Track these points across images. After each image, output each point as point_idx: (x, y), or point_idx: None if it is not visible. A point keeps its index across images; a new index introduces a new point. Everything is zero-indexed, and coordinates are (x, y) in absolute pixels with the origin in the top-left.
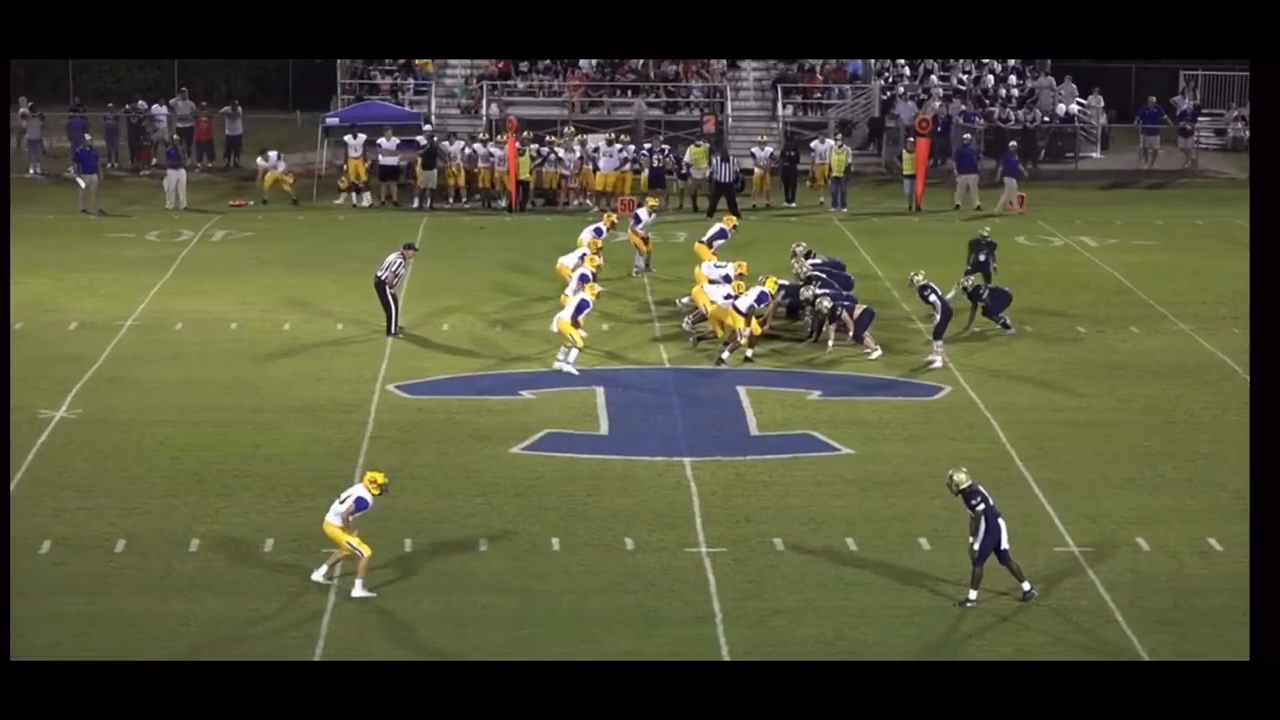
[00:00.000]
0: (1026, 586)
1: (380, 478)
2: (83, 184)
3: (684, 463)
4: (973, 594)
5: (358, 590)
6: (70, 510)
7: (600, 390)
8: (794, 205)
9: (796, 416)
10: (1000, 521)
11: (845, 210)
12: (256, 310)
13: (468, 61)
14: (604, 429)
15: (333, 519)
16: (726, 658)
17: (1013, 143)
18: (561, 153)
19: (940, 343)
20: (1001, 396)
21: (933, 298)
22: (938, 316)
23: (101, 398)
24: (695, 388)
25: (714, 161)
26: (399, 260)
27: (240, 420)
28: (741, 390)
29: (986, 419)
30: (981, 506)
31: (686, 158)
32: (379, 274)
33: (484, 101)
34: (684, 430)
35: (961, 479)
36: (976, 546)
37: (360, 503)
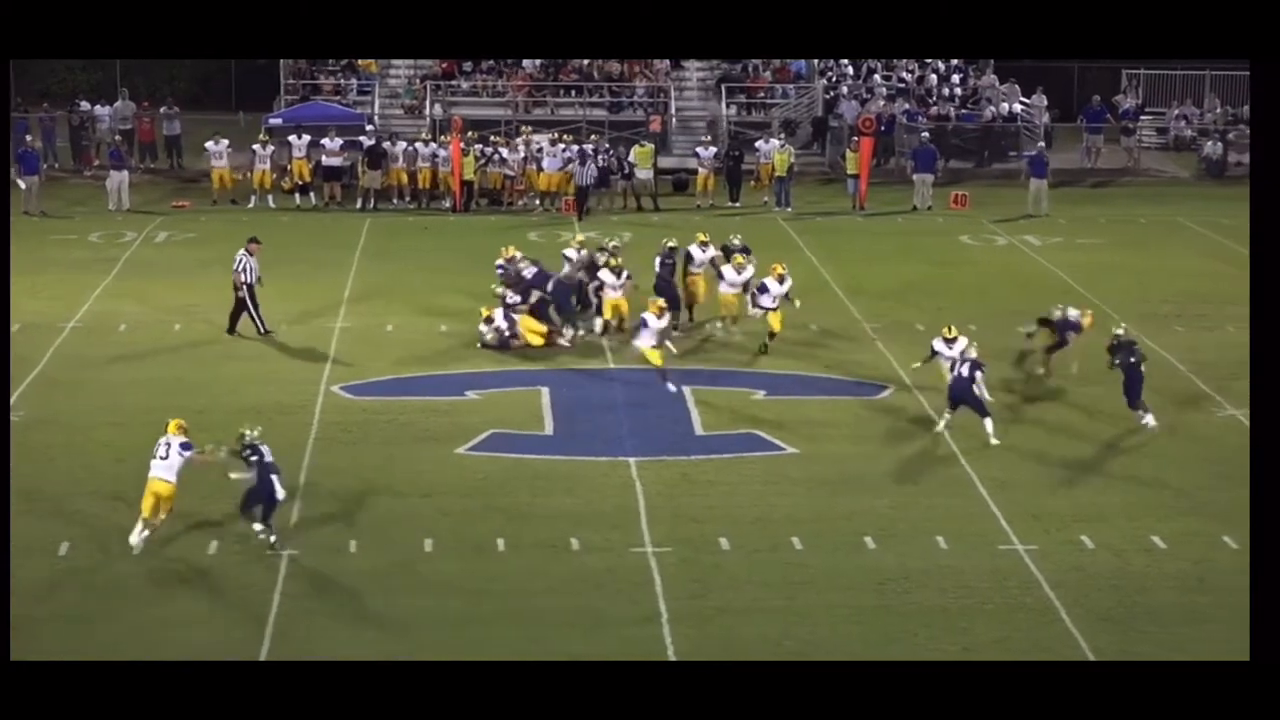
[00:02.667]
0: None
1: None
2: (24, 185)
3: (629, 463)
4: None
5: (136, 537)
6: (14, 514)
7: (545, 391)
8: (738, 205)
9: (741, 416)
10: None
11: (789, 210)
12: (200, 312)
13: (411, 62)
14: (549, 429)
15: (168, 475)
16: (673, 657)
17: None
18: (506, 153)
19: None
20: (944, 396)
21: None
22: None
23: (45, 400)
24: (640, 388)
25: (576, 164)
26: (243, 257)
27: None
28: (686, 390)
29: (930, 417)
30: None
31: (631, 157)
32: (236, 275)
33: (428, 102)
34: (629, 430)
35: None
36: None
37: (186, 445)
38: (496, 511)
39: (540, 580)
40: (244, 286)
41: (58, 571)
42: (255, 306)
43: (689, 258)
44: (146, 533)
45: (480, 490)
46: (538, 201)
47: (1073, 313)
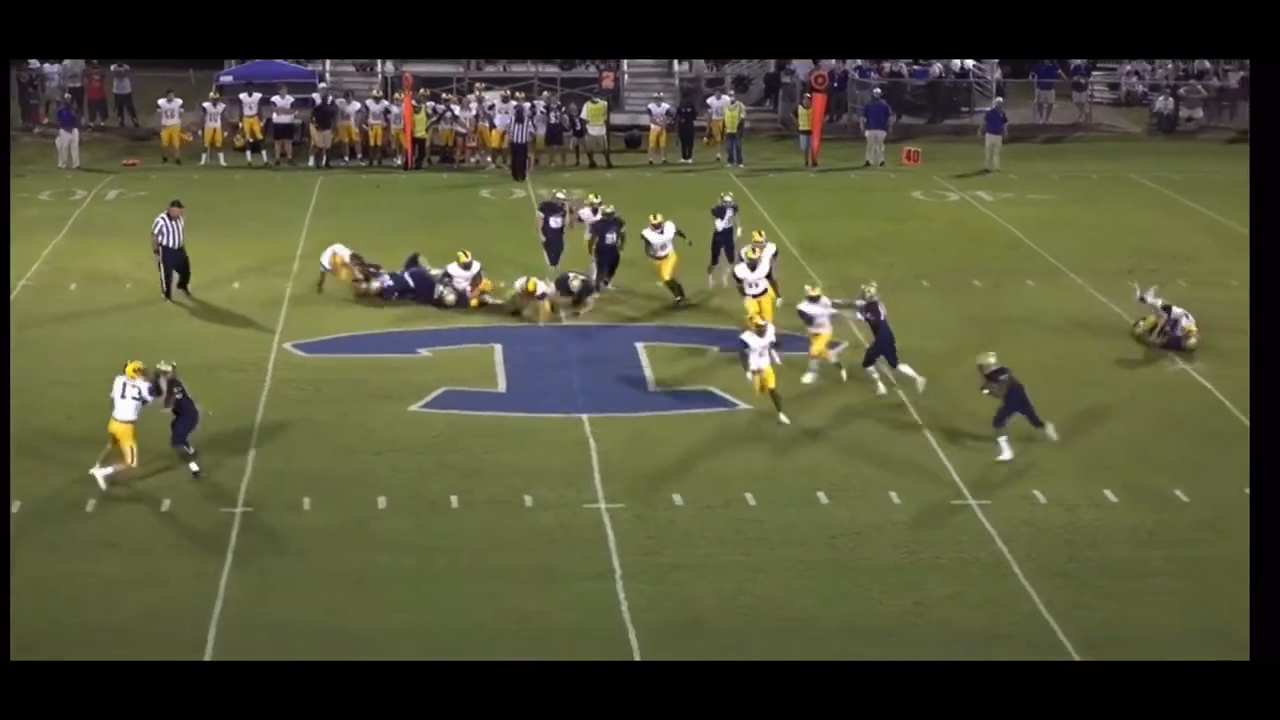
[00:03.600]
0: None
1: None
2: None
3: (582, 419)
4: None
5: (101, 473)
6: None
7: (498, 348)
8: (690, 161)
9: (695, 372)
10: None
11: (741, 166)
12: (151, 270)
13: None
14: (502, 386)
15: (128, 415)
16: (626, 614)
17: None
18: (458, 110)
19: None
20: (899, 349)
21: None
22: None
23: None
24: (593, 344)
25: (513, 122)
26: (161, 220)
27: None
28: (640, 346)
29: (883, 372)
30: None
31: (583, 114)
32: (169, 243)
33: (379, 59)
34: (582, 387)
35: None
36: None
37: (152, 390)
38: (450, 468)
39: (494, 537)
40: (160, 250)
41: (10, 529)
42: (166, 271)
43: (646, 244)
44: (110, 469)
45: (433, 447)
46: (489, 159)
47: (1185, 322)
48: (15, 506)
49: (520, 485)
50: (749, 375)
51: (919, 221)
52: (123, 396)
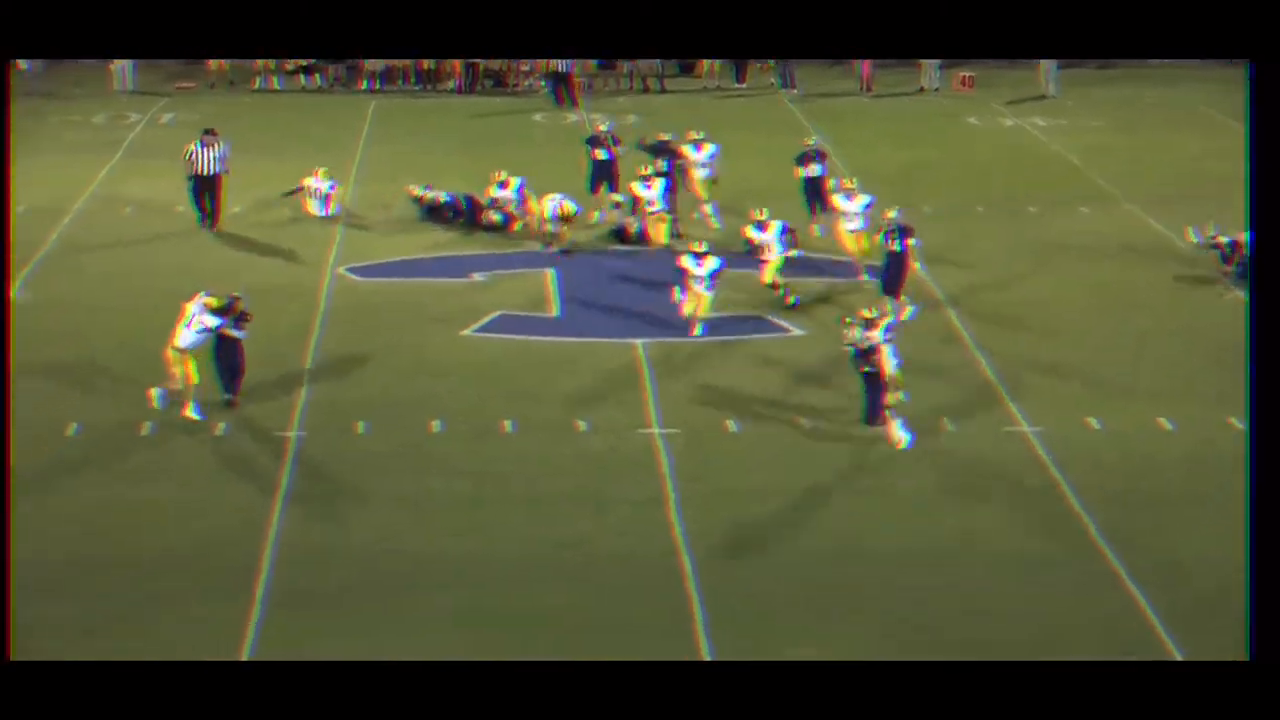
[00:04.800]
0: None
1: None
2: (27, 66)
3: (636, 344)
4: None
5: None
6: (21, 394)
7: (552, 272)
8: (743, 86)
9: (748, 298)
10: None
11: (796, 92)
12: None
13: None
14: (556, 311)
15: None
16: (679, 539)
17: None
18: None
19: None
20: (953, 277)
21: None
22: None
23: (50, 283)
24: (647, 270)
25: None
26: (194, 148)
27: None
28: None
29: (938, 299)
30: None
31: None
32: (200, 171)
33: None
34: (636, 312)
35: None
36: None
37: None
38: (503, 393)
39: (546, 461)
40: (193, 177)
41: (66, 454)
42: (199, 202)
43: (747, 245)
44: (166, 389)
45: (487, 372)
46: (542, 83)
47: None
48: (71, 430)
49: (573, 410)
50: (678, 298)
51: (973, 148)
52: (189, 325)
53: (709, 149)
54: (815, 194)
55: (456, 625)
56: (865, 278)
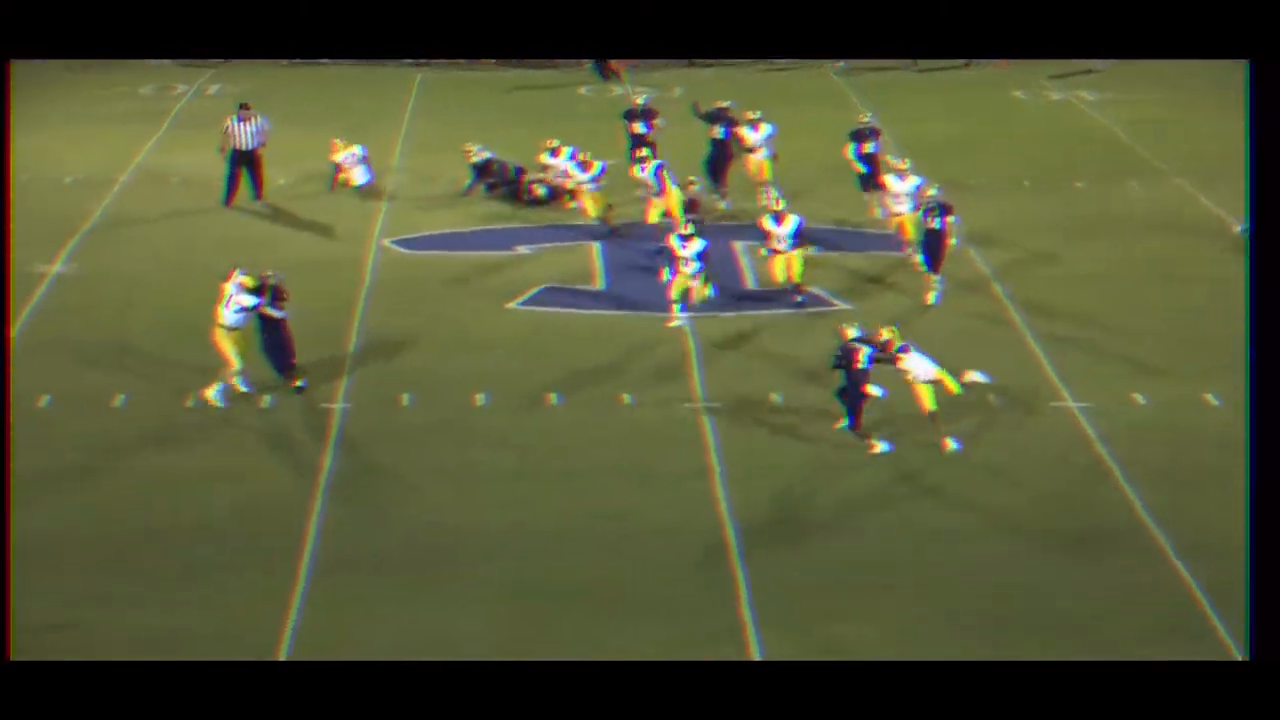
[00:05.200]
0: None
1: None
2: None
3: (682, 318)
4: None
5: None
6: (68, 366)
7: (597, 246)
8: (789, 60)
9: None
10: None
11: (843, 65)
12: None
13: None
14: (601, 284)
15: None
16: (724, 513)
17: None
18: None
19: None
20: (999, 253)
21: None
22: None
23: (96, 254)
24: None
25: None
26: (230, 123)
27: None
28: (739, 246)
29: (984, 275)
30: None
31: None
32: (238, 146)
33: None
34: None
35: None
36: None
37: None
38: (548, 366)
39: (592, 434)
40: (231, 151)
41: (112, 424)
42: (232, 178)
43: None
44: (225, 385)
45: (532, 345)
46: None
47: None
48: (118, 401)
49: (619, 384)
50: (665, 278)
51: (1021, 121)
52: (227, 305)
53: (765, 129)
54: (870, 172)
55: (498, 597)
56: (910, 252)
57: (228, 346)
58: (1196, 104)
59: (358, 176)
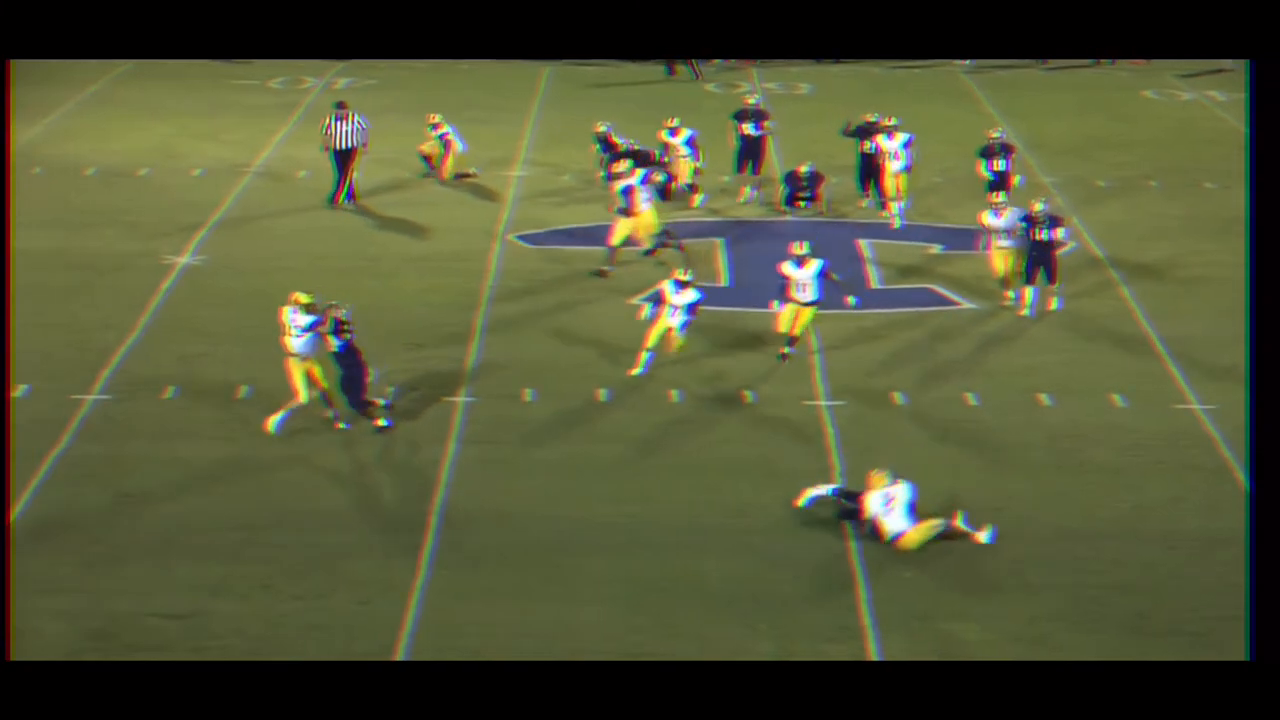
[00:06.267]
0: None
1: (305, 296)
2: None
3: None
4: None
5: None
6: (194, 356)
7: (721, 242)
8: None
9: (917, 270)
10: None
11: (970, 63)
12: (377, 159)
13: None
14: (725, 280)
15: (303, 350)
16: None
17: None
18: None
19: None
20: (1123, 251)
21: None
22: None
23: (226, 244)
24: (816, 240)
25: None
26: (331, 122)
27: (361, 269)
28: (863, 243)
29: (1110, 276)
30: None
31: None
32: (337, 145)
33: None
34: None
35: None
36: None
37: (315, 321)
38: (670, 362)
39: (713, 430)
40: (331, 151)
41: (233, 413)
42: (341, 174)
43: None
44: (283, 414)
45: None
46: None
47: None
48: (243, 392)
49: (741, 380)
50: (648, 315)
51: (1149, 121)
52: (288, 333)
53: (902, 136)
54: (1000, 190)
55: (613, 592)
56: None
57: (298, 377)
58: None
59: (461, 147)
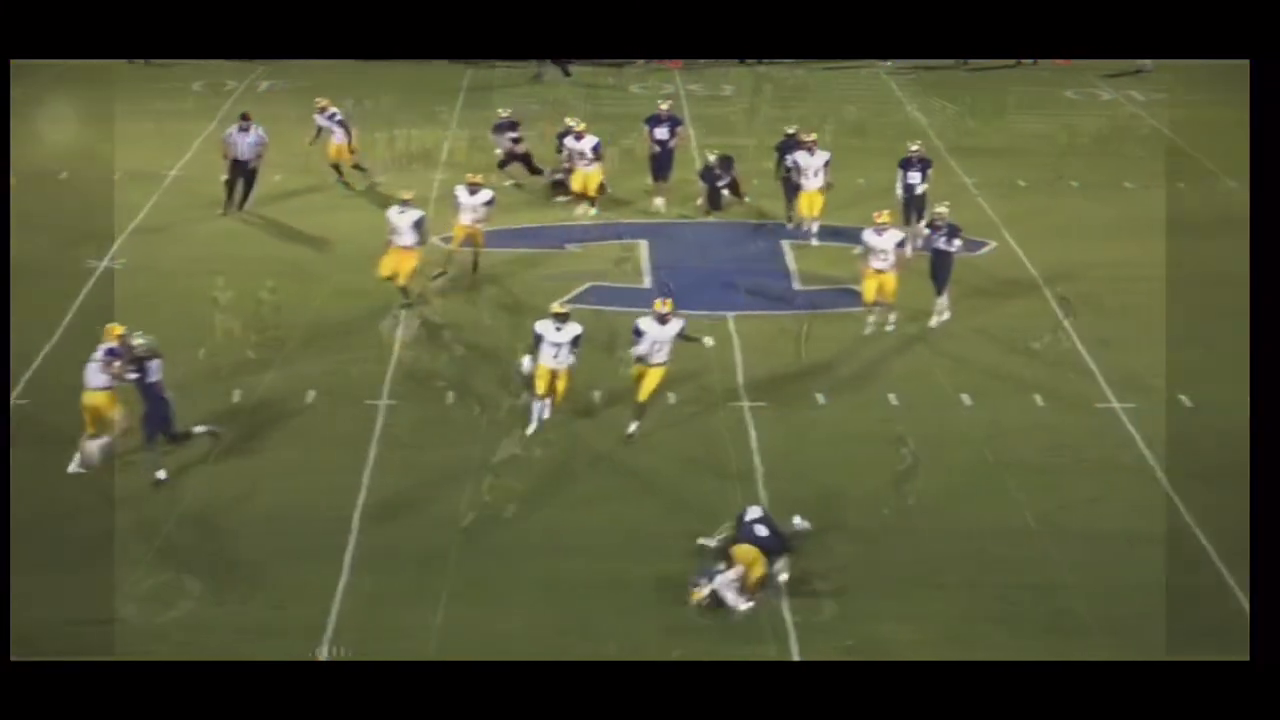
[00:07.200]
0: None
1: (118, 329)
2: None
3: (727, 317)
4: None
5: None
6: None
7: (644, 244)
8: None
9: (839, 272)
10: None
11: (890, 64)
12: (300, 162)
13: None
14: (647, 283)
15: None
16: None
17: None
18: None
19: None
20: (1047, 253)
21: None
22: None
23: (145, 248)
24: (739, 242)
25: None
26: (232, 132)
27: (289, 272)
28: (785, 245)
29: (1033, 277)
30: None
31: None
32: (236, 155)
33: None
34: (727, 285)
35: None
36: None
37: (110, 351)
38: (592, 364)
39: (641, 435)
40: (229, 160)
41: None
42: (230, 186)
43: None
44: (92, 445)
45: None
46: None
47: None
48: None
49: (663, 382)
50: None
51: (1070, 121)
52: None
53: (822, 155)
54: (912, 206)
55: (543, 599)
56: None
57: (106, 411)
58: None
59: (338, 138)
